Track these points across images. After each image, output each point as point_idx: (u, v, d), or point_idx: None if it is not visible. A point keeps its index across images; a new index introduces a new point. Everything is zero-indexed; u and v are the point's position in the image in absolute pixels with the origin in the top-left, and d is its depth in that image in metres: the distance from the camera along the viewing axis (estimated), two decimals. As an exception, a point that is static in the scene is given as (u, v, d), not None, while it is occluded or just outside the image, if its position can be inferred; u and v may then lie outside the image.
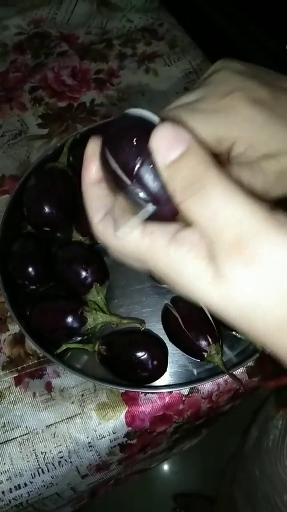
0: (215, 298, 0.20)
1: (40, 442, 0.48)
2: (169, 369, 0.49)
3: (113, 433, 0.48)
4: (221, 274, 0.20)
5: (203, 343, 0.46)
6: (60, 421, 0.49)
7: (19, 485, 0.47)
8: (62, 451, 0.48)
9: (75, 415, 0.49)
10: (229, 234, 0.19)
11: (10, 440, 0.48)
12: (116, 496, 0.99)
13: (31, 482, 0.47)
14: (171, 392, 0.49)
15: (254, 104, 0.25)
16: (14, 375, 0.51)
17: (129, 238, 0.22)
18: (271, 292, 0.19)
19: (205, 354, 0.46)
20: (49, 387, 0.50)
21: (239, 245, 0.19)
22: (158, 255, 0.21)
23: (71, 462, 0.48)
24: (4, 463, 0.47)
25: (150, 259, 0.22)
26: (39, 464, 0.47)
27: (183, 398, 0.50)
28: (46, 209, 0.52)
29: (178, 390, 0.49)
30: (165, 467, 1.18)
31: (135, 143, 0.21)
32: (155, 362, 0.46)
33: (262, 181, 0.26)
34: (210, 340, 0.46)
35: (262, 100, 0.26)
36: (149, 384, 0.48)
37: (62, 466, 0.48)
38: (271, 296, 0.19)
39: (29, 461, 0.47)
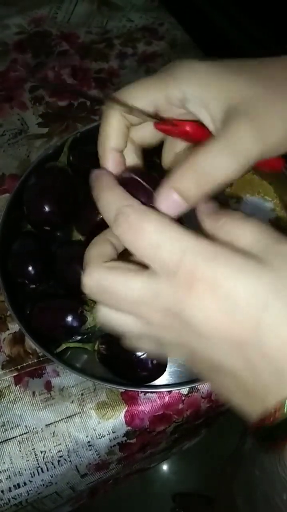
0: None
1: (40, 441, 0.48)
2: (168, 369, 0.49)
3: (113, 432, 0.48)
4: None
5: (203, 342, 0.46)
6: (59, 420, 0.48)
7: (18, 484, 0.47)
8: (61, 450, 0.48)
9: (75, 414, 0.49)
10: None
11: (9, 439, 0.48)
12: (115, 495, 0.99)
13: (30, 481, 0.47)
14: (170, 391, 0.49)
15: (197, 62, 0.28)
16: (14, 374, 0.51)
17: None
18: None
19: (205, 354, 0.46)
20: (48, 386, 0.50)
21: None
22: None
23: (70, 461, 0.48)
24: (4, 462, 0.47)
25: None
26: (38, 463, 0.47)
27: (183, 398, 0.50)
28: (46, 208, 0.52)
29: (177, 389, 0.49)
30: (165, 467, 1.18)
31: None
32: (154, 362, 0.46)
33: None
34: (210, 339, 0.46)
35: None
36: (149, 384, 0.48)
37: (62, 465, 0.48)
38: None
39: (28, 460, 0.47)
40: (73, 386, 0.50)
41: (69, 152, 0.57)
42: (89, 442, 0.48)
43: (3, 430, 0.48)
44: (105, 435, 0.48)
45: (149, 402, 0.49)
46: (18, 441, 0.48)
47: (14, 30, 0.79)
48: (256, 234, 0.23)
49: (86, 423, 0.48)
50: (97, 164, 0.65)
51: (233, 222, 0.24)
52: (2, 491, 0.47)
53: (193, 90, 0.27)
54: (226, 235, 0.23)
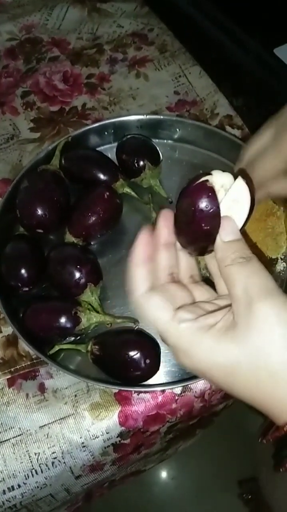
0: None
1: (34, 443, 0.48)
2: (161, 369, 0.49)
3: (107, 433, 0.48)
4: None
5: (195, 341, 0.46)
6: (53, 422, 0.49)
7: (12, 487, 0.47)
8: (55, 452, 0.48)
9: (68, 416, 0.49)
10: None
11: (3, 441, 0.48)
12: (113, 500, 0.98)
13: (24, 484, 0.47)
14: (164, 391, 0.50)
15: None
16: (7, 377, 0.51)
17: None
18: None
19: (197, 353, 0.46)
20: (42, 388, 0.50)
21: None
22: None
23: (64, 462, 0.48)
24: (-2, 465, 0.47)
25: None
26: (32, 465, 0.47)
27: (176, 397, 0.50)
28: (39, 211, 0.52)
29: (170, 388, 0.49)
30: (163, 471, 1.18)
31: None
32: (147, 361, 0.47)
33: None
34: (201, 338, 0.46)
35: None
36: (142, 383, 0.49)
37: (56, 467, 0.48)
38: None
39: (22, 462, 0.47)
40: (66, 388, 0.50)
41: (61, 155, 0.57)
42: (83, 443, 0.48)
43: (-3, 432, 0.48)
44: (99, 436, 0.48)
45: (142, 402, 0.49)
46: (12, 443, 0.48)
47: (6, 37, 0.79)
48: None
49: (80, 424, 0.48)
50: (89, 167, 0.65)
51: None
52: (-3, 494, 0.47)
53: None
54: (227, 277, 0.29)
